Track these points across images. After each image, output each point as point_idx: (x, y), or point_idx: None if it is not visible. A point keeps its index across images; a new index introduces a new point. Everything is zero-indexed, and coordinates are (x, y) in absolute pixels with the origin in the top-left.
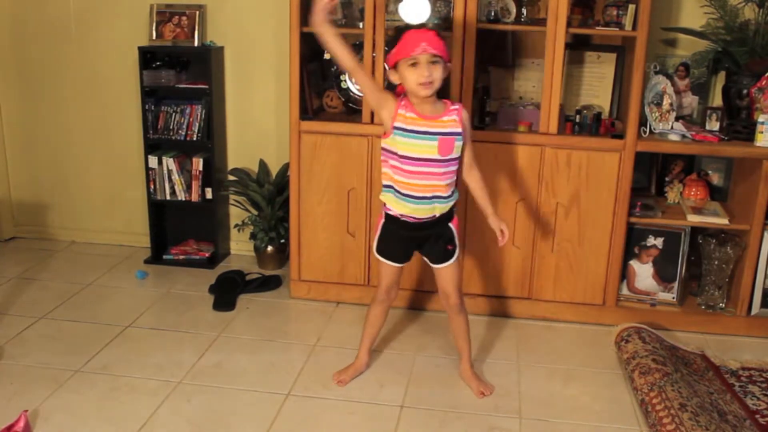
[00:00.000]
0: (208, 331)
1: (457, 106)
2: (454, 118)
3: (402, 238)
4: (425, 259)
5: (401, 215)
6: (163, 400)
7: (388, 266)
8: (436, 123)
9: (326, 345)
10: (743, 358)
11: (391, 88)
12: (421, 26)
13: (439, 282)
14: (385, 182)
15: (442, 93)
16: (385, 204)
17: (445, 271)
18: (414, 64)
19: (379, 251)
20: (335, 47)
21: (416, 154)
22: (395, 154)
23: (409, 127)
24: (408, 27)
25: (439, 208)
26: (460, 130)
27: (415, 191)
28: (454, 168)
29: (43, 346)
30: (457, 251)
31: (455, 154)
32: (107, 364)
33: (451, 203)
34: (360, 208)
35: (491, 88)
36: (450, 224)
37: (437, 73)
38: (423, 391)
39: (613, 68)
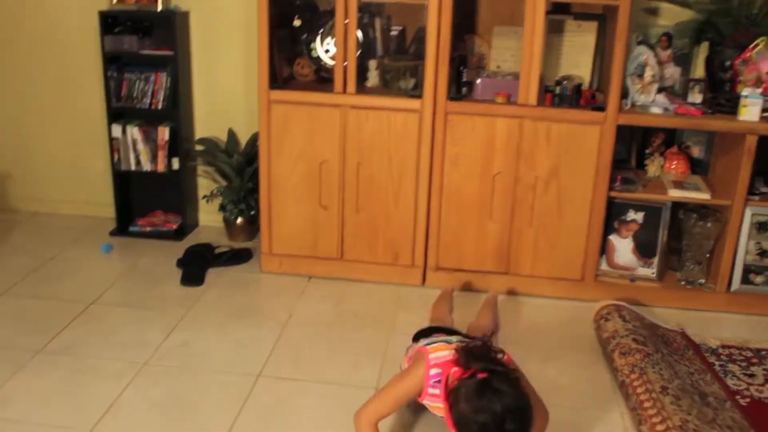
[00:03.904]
0: (176, 307)
1: None
2: None
3: None
4: None
5: None
6: (129, 383)
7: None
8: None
9: (298, 322)
10: (723, 336)
11: None
12: None
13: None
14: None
15: None
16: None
17: None
18: None
19: None
20: None
21: None
22: None
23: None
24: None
25: None
26: None
27: None
28: None
29: (2, 325)
30: None
31: None
32: (70, 344)
33: None
34: (332, 181)
35: (468, 57)
36: None
37: None
38: (397, 371)
39: (594, 37)
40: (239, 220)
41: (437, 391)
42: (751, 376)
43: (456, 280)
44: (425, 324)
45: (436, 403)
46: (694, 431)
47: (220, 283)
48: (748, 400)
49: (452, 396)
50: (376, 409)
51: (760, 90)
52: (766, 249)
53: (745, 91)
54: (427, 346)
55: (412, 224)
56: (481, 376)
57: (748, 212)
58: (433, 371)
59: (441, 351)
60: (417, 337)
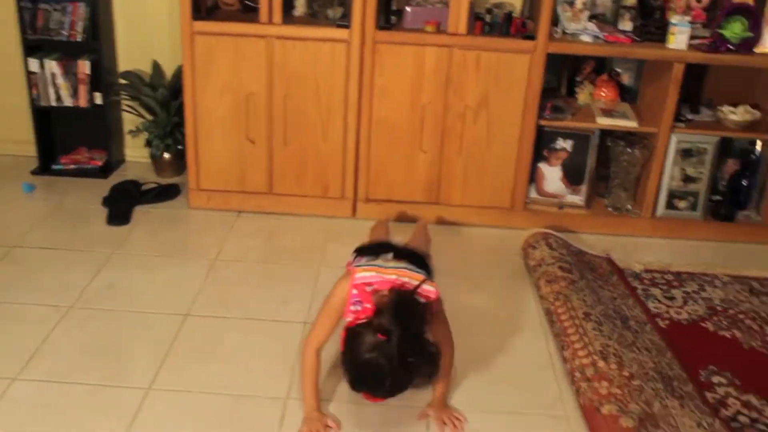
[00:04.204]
0: (102, 248)
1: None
2: None
3: None
4: None
5: None
6: (54, 327)
7: None
8: None
9: (227, 258)
10: (647, 260)
11: None
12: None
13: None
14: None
15: None
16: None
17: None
18: None
19: None
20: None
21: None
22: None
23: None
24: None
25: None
26: None
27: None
28: None
29: None
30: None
31: None
32: None
33: None
34: (259, 114)
35: None
36: None
37: None
38: None
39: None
40: (166, 155)
41: (359, 308)
42: (671, 299)
43: (386, 211)
44: None
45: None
46: (614, 355)
47: (147, 220)
48: (667, 322)
49: (350, 333)
50: (315, 334)
51: (688, 18)
52: (690, 175)
53: (674, 19)
54: (357, 267)
55: (342, 156)
56: (380, 336)
57: (673, 139)
58: (355, 291)
59: (367, 272)
60: (359, 252)
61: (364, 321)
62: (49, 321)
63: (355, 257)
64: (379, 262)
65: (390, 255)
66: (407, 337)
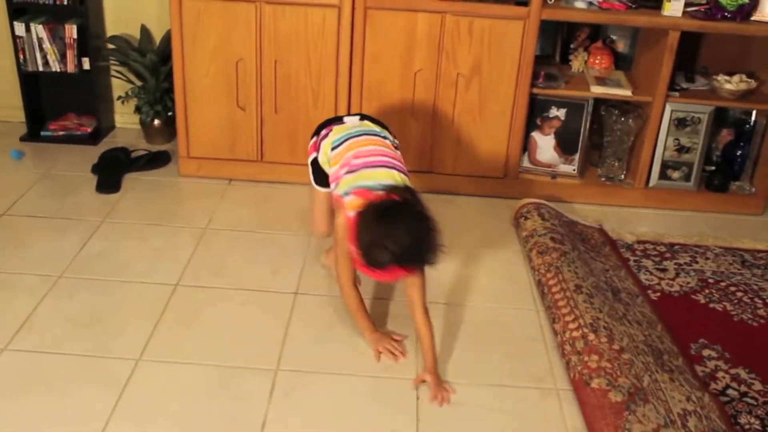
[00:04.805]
0: (92, 216)
1: None
2: None
3: None
4: None
5: None
6: (43, 297)
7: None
8: None
9: (218, 227)
10: (639, 231)
11: None
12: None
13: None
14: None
15: None
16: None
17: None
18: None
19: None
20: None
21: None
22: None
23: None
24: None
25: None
26: None
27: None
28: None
29: None
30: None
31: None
32: None
33: None
34: (249, 80)
35: None
36: None
37: None
38: (318, 275)
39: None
40: (156, 121)
41: None
42: (663, 270)
43: None
44: None
45: None
46: (605, 327)
47: (137, 188)
48: (658, 294)
49: (365, 209)
50: (343, 273)
51: None
52: (684, 145)
53: None
54: (344, 199)
55: None
56: (395, 197)
57: (668, 109)
58: (351, 213)
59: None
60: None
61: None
62: (38, 290)
63: (315, 137)
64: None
65: (356, 119)
66: (418, 198)
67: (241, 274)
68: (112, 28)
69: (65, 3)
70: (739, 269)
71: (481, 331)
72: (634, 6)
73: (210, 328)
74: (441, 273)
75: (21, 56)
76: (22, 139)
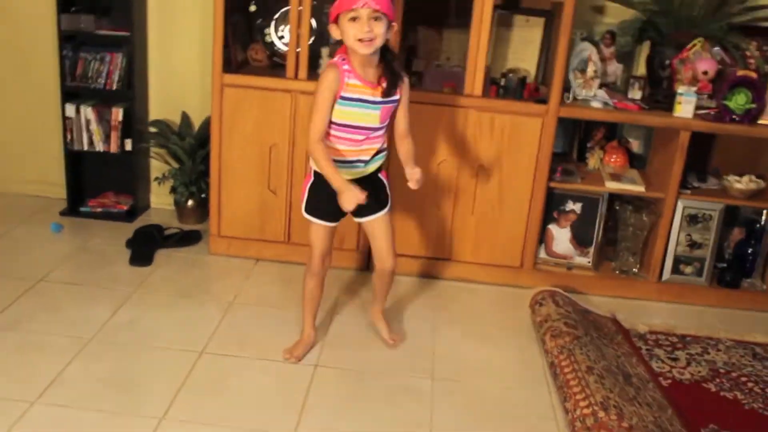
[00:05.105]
0: (124, 286)
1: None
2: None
3: (332, 195)
4: (355, 219)
5: None
6: (73, 358)
7: (320, 228)
8: (375, 91)
9: (244, 302)
10: (652, 322)
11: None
12: None
13: (373, 243)
14: None
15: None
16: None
17: (377, 226)
18: (354, 19)
19: (308, 211)
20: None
21: (356, 123)
22: (331, 122)
23: (354, 96)
24: None
25: (370, 169)
26: (398, 97)
27: (348, 156)
28: (386, 130)
29: None
30: (389, 203)
31: (390, 118)
32: (17, 320)
33: (382, 159)
34: (282, 165)
35: (419, 47)
36: (380, 176)
37: (378, 30)
38: (338, 351)
39: (541, 33)
40: (190, 202)
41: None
42: (675, 359)
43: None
44: (366, 306)
45: (354, 81)
46: (615, 406)
47: (168, 263)
48: (669, 381)
49: None
50: (316, 128)
51: (695, 88)
52: (696, 241)
53: (680, 89)
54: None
55: None
56: None
57: (680, 205)
58: (337, 58)
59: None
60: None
61: None
62: (69, 351)
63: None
64: None
65: None
66: None
67: (264, 345)
68: (155, 113)
69: (114, 88)
70: (750, 361)
71: (494, 409)
72: (647, 107)
73: (231, 393)
74: (456, 353)
75: (69, 136)
76: (62, 213)
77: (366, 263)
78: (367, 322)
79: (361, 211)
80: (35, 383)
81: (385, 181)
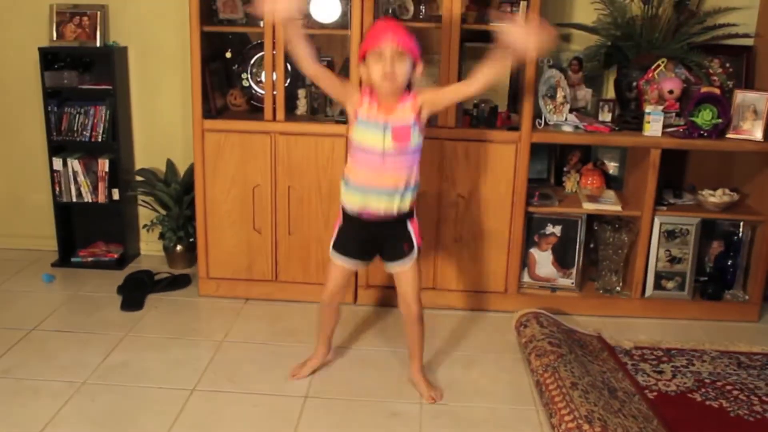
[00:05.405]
0: (115, 331)
1: (410, 94)
2: (407, 106)
3: (359, 238)
4: (385, 264)
5: (358, 214)
6: (67, 401)
7: (339, 268)
8: (388, 115)
9: (234, 340)
10: (637, 338)
11: None
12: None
13: (399, 289)
14: (344, 174)
15: None
16: (342, 203)
17: (402, 275)
18: (379, 56)
19: (335, 248)
20: (297, 44)
21: (366, 145)
22: (352, 145)
23: (370, 121)
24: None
25: (395, 204)
26: (412, 118)
27: (364, 183)
28: (411, 162)
29: None
30: (414, 252)
31: (412, 146)
32: (10, 368)
33: (408, 201)
34: (265, 205)
35: None
36: (408, 223)
37: (401, 68)
38: (327, 381)
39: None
40: (178, 247)
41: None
42: (660, 372)
43: (385, 298)
44: (355, 336)
45: (371, 103)
46: (599, 419)
47: (159, 307)
48: (655, 393)
49: None
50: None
51: (662, 107)
52: (675, 255)
53: (648, 109)
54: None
55: None
56: None
57: (657, 222)
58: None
59: None
60: None
61: None
62: (63, 394)
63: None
64: None
65: None
66: None
67: (255, 380)
68: (141, 161)
69: (99, 140)
70: (735, 370)
71: (482, 429)
72: (617, 128)
73: (223, 428)
74: (443, 378)
75: (57, 188)
76: (54, 264)
77: (354, 296)
78: (355, 351)
79: (386, 259)
80: (30, 426)
81: (411, 230)
